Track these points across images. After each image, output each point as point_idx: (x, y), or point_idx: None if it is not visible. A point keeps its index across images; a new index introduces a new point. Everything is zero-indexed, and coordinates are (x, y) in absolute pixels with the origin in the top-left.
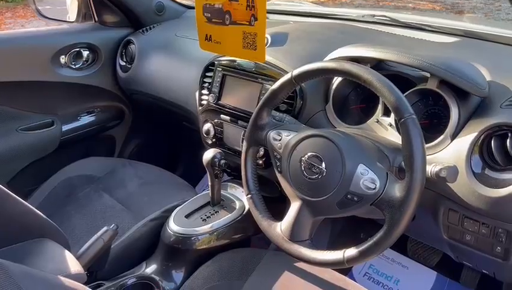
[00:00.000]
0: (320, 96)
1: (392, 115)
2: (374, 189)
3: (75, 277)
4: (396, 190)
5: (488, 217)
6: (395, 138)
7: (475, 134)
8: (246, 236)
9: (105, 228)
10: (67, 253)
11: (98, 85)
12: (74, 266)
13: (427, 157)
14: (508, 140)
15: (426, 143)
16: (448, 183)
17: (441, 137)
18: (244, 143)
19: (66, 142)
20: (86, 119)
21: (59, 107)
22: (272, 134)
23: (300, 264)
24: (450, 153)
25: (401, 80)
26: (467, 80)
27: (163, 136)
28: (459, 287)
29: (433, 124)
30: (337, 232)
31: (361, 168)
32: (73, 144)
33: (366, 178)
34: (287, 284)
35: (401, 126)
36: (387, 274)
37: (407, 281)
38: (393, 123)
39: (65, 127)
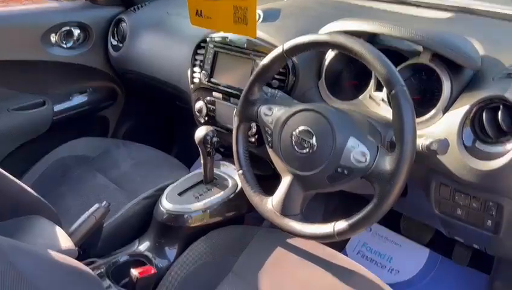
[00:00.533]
0: (313, 73)
1: (385, 90)
2: (364, 162)
3: (65, 253)
4: (387, 163)
5: (478, 191)
6: (387, 113)
7: (467, 107)
8: (239, 214)
9: (96, 205)
10: (58, 229)
11: (90, 65)
12: (65, 241)
13: (419, 132)
14: (499, 112)
15: (418, 118)
16: (439, 157)
17: (433, 111)
18: (235, 119)
19: (59, 122)
20: (78, 99)
21: (50, 87)
22: (263, 109)
23: (294, 241)
24: (441, 127)
25: (394, 54)
26: (459, 53)
27: (157, 116)
28: (451, 264)
29: (426, 99)
30: (331, 210)
31: (351, 141)
32: (66, 125)
33: (357, 151)
34: (280, 260)
35: (391, 98)
36: (381, 252)
37: (400, 258)
38: (385, 98)
39: (57, 107)
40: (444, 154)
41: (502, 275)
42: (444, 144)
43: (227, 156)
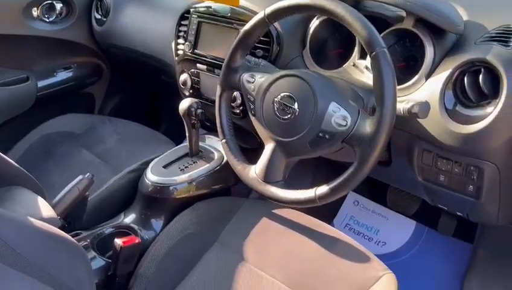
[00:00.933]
0: (298, 41)
1: (368, 58)
2: (345, 126)
3: (47, 221)
4: (367, 126)
5: (460, 155)
6: (371, 80)
7: (449, 71)
8: (225, 186)
9: (80, 177)
10: (39, 199)
11: (74, 39)
12: (46, 211)
13: (401, 98)
14: (480, 76)
15: (402, 84)
16: (421, 122)
17: (416, 77)
18: (218, 88)
19: (43, 98)
20: (63, 75)
21: (34, 63)
22: (246, 76)
23: (280, 211)
24: (424, 93)
25: (379, 22)
26: (442, 17)
27: (144, 92)
28: (437, 235)
29: (410, 66)
30: (319, 180)
31: (333, 106)
32: (50, 101)
33: (338, 115)
34: (266, 230)
35: (372, 60)
36: (368, 225)
37: (387, 230)
38: (369, 66)
39: (41, 83)
40: (425, 118)
41: (485, 243)
42: (424, 106)
43: (213, 130)
